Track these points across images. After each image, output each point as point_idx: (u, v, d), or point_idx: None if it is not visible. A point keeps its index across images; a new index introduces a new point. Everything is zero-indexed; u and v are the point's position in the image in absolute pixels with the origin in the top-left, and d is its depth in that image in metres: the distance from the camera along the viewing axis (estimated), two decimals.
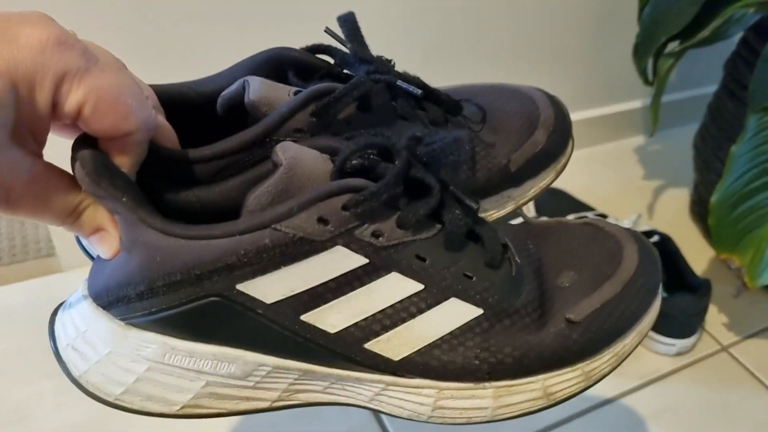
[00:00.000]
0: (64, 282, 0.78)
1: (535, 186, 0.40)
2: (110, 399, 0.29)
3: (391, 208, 0.29)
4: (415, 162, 0.29)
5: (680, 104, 1.16)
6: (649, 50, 0.78)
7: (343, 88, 0.32)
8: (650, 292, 0.33)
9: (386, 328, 0.29)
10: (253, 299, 0.28)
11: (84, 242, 0.36)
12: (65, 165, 0.28)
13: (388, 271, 0.29)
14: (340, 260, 0.28)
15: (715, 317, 0.79)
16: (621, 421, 0.66)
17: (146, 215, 0.27)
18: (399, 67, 0.38)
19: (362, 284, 0.28)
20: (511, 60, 0.94)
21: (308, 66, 0.38)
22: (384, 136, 0.30)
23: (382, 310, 0.29)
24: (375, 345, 0.29)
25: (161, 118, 0.32)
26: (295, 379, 0.30)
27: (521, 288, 0.31)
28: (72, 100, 0.25)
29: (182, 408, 0.30)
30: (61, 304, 0.32)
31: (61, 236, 0.77)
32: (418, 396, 0.31)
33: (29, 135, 0.26)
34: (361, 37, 0.38)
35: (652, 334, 0.73)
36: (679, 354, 0.73)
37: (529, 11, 0.91)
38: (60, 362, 0.30)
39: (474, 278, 0.30)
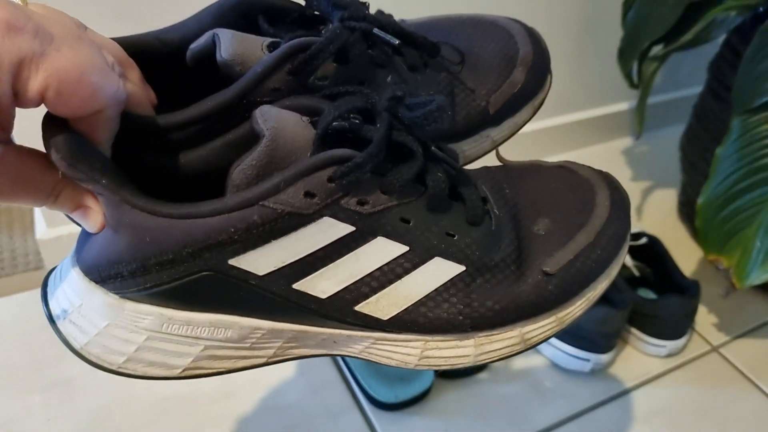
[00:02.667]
0: None
1: (513, 124, 0.40)
2: (113, 368, 0.30)
3: (376, 174, 0.29)
4: (397, 124, 0.30)
5: (667, 105, 1.17)
6: (633, 54, 0.79)
7: (319, 43, 0.31)
8: (620, 239, 0.34)
9: (374, 290, 0.30)
10: (246, 272, 0.29)
11: None
12: (38, 143, 0.28)
13: (374, 236, 0.29)
14: (328, 230, 0.29)
15: (704, 318, 0.80)
16: (613, 423, 0.66)
17: (129, 196, 0.27)
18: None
19: (350, 250, 0.29)
20: None
21: (278, 9, 0.37)
22: (363, 93, 0.30)
23: (370, 273, 0.30)
24: (365, 307, 0.31)
25: (131, 85, 0.31)
26: (290, 338, 0.32)
27: (500, 242, 0.33)
28: (32, 87, 0.24)
29: (183, 371, 0.31)
30: (50, 272, 0.32)
31: (50, 249, 0.77)
32: (405, 348, 0.32)
33: None
34: None
35: (642, 335, 0.73)
36: (669, 355, 0.74)
37: (514, 15, 0.91)
38: (59, 335, 0.30)
39: (456, 236, 0.31)
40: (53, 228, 0.77)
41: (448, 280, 0.31)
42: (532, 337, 0.33)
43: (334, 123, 0.28)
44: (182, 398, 0.65)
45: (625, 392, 0.70)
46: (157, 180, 0.30)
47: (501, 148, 0.41)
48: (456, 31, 0.42)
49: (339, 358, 0.70)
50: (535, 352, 0.73)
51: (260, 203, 0.27)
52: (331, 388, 0.68)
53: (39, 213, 0.79)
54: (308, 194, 0.27)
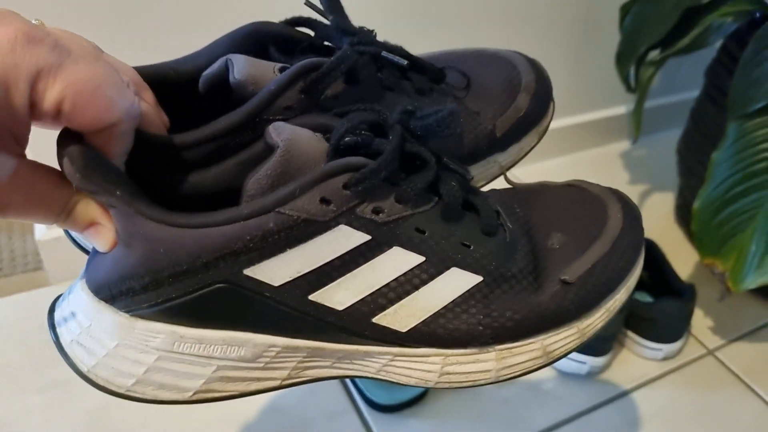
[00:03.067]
0: (53, 296, 0.76)
1: (519, 149, 0.41)
2: (122, 391, 0.29)
3: (390, 184, 0.29)
4: (409, 136, 0.30)
5: (665, 109, 1.18)
6: (630, 58, 0.79)
7: (330, 63, 0.32)
8: (635, 249, 0.34)
9: (392, 302, 0.30)
10: (261, 283, 0.28)
11: (75, 235, 0.36)
12: (52, 160, 0.28)
13: (390, 246, 0.29)
14: (344, 239, 0.28)
15: (701, 321, 0.80)
16: (609, 426, 0.66)
17: (144, 207, 0.27)
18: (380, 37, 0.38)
19: (366, 260, 0.29)
20: None
21: (289, 40, 0.37)
22: (375, 110, 0.31)
23: (387, 284, 0.30)
24: (382, 318, 0.30)
25: (145, 104, 0.32)
26: (305, 357, 0.31)
27: (516, 253, 0.32)
28: (49, 97, 0.24)
29: (195, 394, 0.30)
30: (57, 299, 0.31)
31: (49, 250, 0.77)
32: (424, 364, 0.31)
33: (9, 137, 0.25)
34: (341, 8, 0.38)
35: (638, 339, 0.74)
36: (665, 358, 0.74)
37: (513, 20, 0.92)
38: (66, 358, 0.30)
39: (472, 247, 0.31)
40: (52, 229, 0.77)
41: (466, 291, 0.31)
42: (554, 350, 0.32)
43: (347, 137, 0.29)
44: None
45: (622, 395, 0.70)
46: (170, 199, 0.30)
47: (508, 173, 0.42)
48: (459, 63, 0.43)
49: None
50: None
51: (276, 210, 0.27)
52: (328, 390, 0.68)
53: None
54: (324, 201, 0.27)
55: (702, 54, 0.82)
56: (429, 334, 0.31)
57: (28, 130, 0.26)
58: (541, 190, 0.38)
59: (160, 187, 0.30)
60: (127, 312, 0.28)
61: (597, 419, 0.67)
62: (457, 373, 0.32)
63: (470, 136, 0.39)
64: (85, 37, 0.28)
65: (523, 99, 0.40)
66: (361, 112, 0.30)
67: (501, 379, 0.32)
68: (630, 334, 0.74)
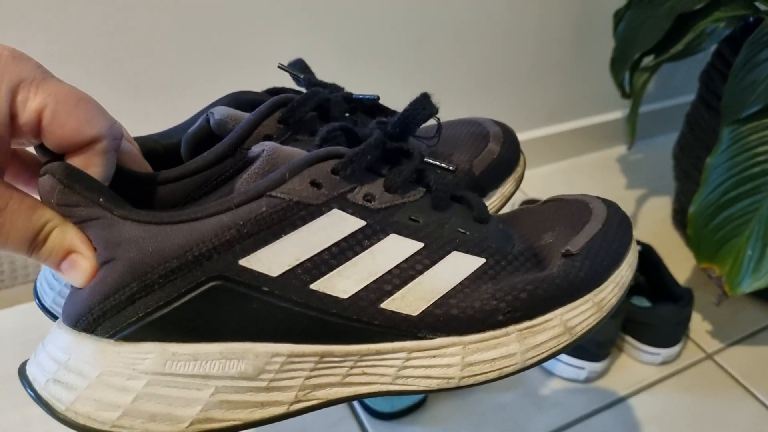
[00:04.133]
0: None
1: (499, 195, 0.42)
2: (106, 428, 0.26)
3: (376, 174, 0.30)
4: (388, 139, 0.31)
5: (661, 113, 1.18)
6: (625, 64, 0.80)
7: (304, 95, 0.34)
8: (626, 227, 0.35)
9: (397, 287, 0.29)
10: (258, 274, 0.27)
11: (48, 301, 0.35)
12: None
13: (386, 234, 0.29)
14: (339, 223, 0.28)
15: (699, 325, 0.80)
16: (608, 431, 0.66)
17: (129, 212, 0.26)
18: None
19: (364, 248, 0.29)
20: (492, 75, 0.96)
21: None
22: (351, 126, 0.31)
23: (389, 270, 0.29)
24: (391, 303, 0.29)
25: (133, 148, 0.32)
26: (312, 368, 0.29)
27: (512, 239, 0.33)
28: (30, 106, 0.24)
29: (191, 425, 0.27)
30: (25, 362, 0.29)
31: None
32: (443, 358, 0.30)
33: None
34: (312, 72, 0.39)
35: (636, 343, 0.74)
36: (664, 363, 0.74)
37: (507, 27, 0.92)
38: (40, 403, 0.26)
39: (468, 233, 0.31)
40: None
41: (472, 273, 0.30)
42: (575, 326, 0.31)
43: (328, 138, 0.30)
44: None
45: (620, 400, 0.70)
46: None
47: None
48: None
49: None
50: None
51: (267, 194, 0.27)
52: None
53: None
54: (314, 184, 0.28)
55: (696, 59, 0.83)
56: (443, 316, 0.29)
57: (8, 144, 0.25)
58: (522, 212, 0.39)
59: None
60: (111, 336, 0.26)
61: (595, 425, 0.67)
62: (480, 363, 0.30)
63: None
64: None
65: (494, 145, 0.42)
66: (338, 123, 0.31)
67: (528, 363, 0.30)
68: (628, 338, 0.74)
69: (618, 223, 0.34)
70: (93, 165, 0.26)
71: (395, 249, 0.29)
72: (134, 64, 0.71)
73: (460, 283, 0.30)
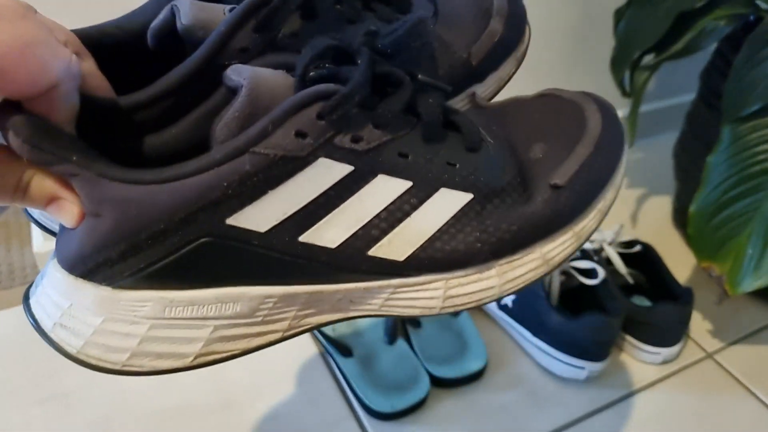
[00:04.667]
0: None
1: (499, 79, 0.39)
2: (117, 367, 0.28)
3: (365, 109, 0.28)
4: (378, 58, 0.28)
5: (661, 113, 1.18)
6: (625, 63, 0.80)
7: None
8: (618, 146, 0.34)
9: (385, 232, 0.29)
10: (247, 231, 0.27)
11: (35, 214, 0.34)
12: None
13: (374, 175, 0.28)
14: (326, 173, 0.27)
15: (699, 325, 0.80)
16: (609, 430, 0.66)
17: (106, 169, 0.25)
18: None
19: (352, 193, 0.28)
20: None
21: None
22: (337, 38, 0.29)
23: (377, 214, 0.29)
24: (378, 250, 0.29)
25: (88, 65, 0.29)
26: (303, 303, 0.30)
27: (502, 166, 0.31)
28: None
29: (196, 358, 0.28)
30: (30, 286, 0.30)
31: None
32: (426, 291, 0.31)
33: None
34: None
35: (637, 343, 0.74)
36: (664, 362, 0.74)
37: None
38: (51, 344, 0.28)
39: (458, 165, 0.30)
40: (50, 241, 0.77)
41: (459, 211, 0.30)
42: (553, 257, 0.32)
43: (311, 69, 0.27)
44: (180, 409, 0.66)
45: (621, 400, 0.70)
46: (128, 166, 0.28)
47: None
48: None
49: (335, 370, 0.70)
50: (530, 360, 0.73)
51: (250, 150, 0.25)
52: (327, 398, 0.68)
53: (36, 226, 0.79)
54: (299, 134, 0.26)
55: (697, 57, 0.83)
56: (428, 260, 0.30)
57: None
58: (514, 105, 0.37)
59: (116, 154, 0.28)
60: (109, 285, 0.27)
61: (596, 424, 0.67)
62: (460, 295, 0.31)
63: (444, 67, 0.37)
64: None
65: (496, 23, 0.38)
66: (323, 39, 0.28)
67: (504, 293, 0.31)
68: (628, 338, 0.74)
69: (610, 141, 0.33)
70: (56, 109, 0.25)
71: (383, 190, 0.28)
72: None
73: (446, 222, 0.30)
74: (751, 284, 0.65)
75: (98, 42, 0.31)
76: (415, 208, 0.29)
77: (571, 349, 0.69)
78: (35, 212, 0.34)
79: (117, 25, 0.32)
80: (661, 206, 1.01)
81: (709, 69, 0.84)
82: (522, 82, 1.05)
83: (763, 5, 0.72)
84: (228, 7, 0.31)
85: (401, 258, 0.29)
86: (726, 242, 0.67)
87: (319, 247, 0.28)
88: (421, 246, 0.30)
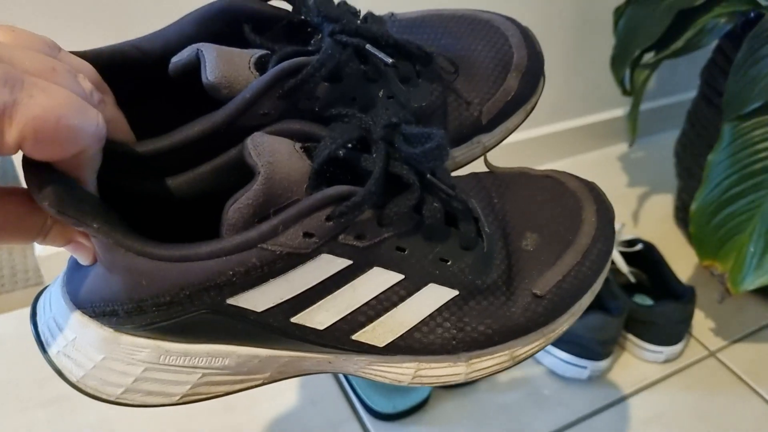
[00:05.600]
0: None
1: (506, 129, 0.40)
2: (111, 398, 0.31)
3: (373, 208, 0.29)
4: (394, 153, 0.29)
5: (662, 111, 1.18)
6: (625, 61, 0.79)
7: (311, 67, 0.30)
8: (605, 255, 0.35)
9: (371, 319, 0.31)
10: (244, 309, 0.29)
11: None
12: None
13: (371, 267, 0.29)
14: (325, 266, 0.29)
15: (701, 323, 0.80)
16: (611, 430, 0.66)
17: (122, 238, 0.26)
18: None
19: (347, 282, 0.29)
20: None
21: (265, 17, 0.35)
22: (357, 117, 0.30)
23: (366, 302, 0.30)
24: (361, 335, 0.31)
25: (109, 109, 0.30)
26: (287, 362, 0.32)
27: (491, 262, 0.33)
28: (8, 140, 0.22)
29: (182, 398, 0.31)
30: (37, 298, 0.32)
31: (49, 265, 0.77)
32: (399, 368, 0.33)
33: None
34: None
35: (639, 342, 0.74)
36: (667, 361, 0.74)
37: None
38: (54, 369, 0.30)
39: (449, 262, 0.31)
40: None
41: (442, 305, 0.31)
42: (520, 355, 0.34)
43: (329, 157, 0.28)
44: (183, 412, 0.66)
45: (623, 399, 0.70)
46: (143, 207, 0.30)
47: (493, 152, 0.41)
48: (449, 30, 0.41)
49: None
50: (533, 360, 0.73)
51: (259, 246, 0.27)
52: (329, 399, 0.68)
53: None
54: (307, 234, 0.27)
55: (697, 55, 0.82)
56: (405, 348, 0.32)
57: None
58: (520, 178, 0.38)
59: (133, 195, 0.30)
60: (112, 328, 0.29)
61: (598, 423, 0.67)
62: (429, 376, 0.33)
63: (454, 123, 0.38)
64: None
65: (512, 79, 0.38)
66: (345, 125, 0.29)
67: (469, 379, 0.34)
68: (630, 337, 0.74)
69: (600, 250, 0.35)
70: (81, 169, 0.26)
71: (376, 281, 0.30)
72: None
73: (429, 315, 0.31)
74: (753, 282, 0.65)
75: (117, 62, 0.31)
76: (402, 299, 0.31)
77: (574, 348, 0.69)
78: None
79: (135, 45, 0.32)
80: (663, 205, 1.01)
81: (709, 67, 0.84)
82: None
83: (763, 2, 0.71)
84: (254, 55, 0.32)
85: (381, 344, 0.31)
86: (728, 240, 0.67)
87: (309, 327, 0.30)
88: (401, 336, 0.31)
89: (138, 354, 0.30)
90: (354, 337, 0.31)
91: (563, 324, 0.34)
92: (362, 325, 0.31)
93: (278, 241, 0.27)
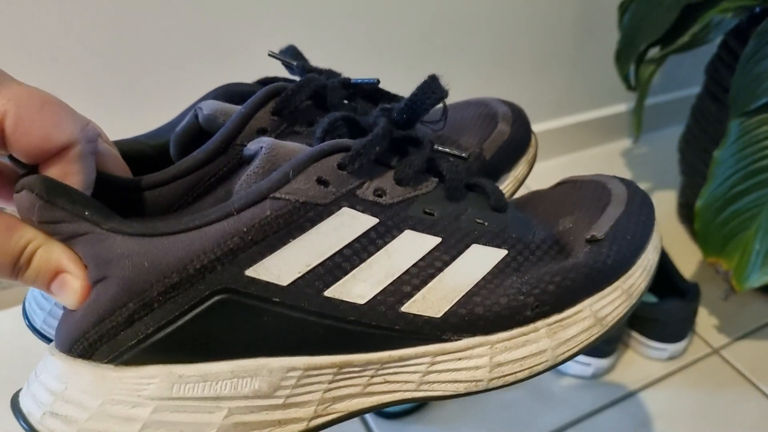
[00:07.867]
0: None
1: (512, 178, 0.40)
2: None
3: (385, 166, 0.28)
4: (394, 127, 0.29)
5: (666, 106, 1.17)
6: (630, 56, 0.79)
7: (298, 82, 0.32)
8: (649, 207, 0.33)
9: (417, 287, 0.27)
10: (267, 284, 0.25)
11: (38, 322, 0.33)
12: None
13: (401, 230, 0.27)
14: (349, 223, 0.26)
15: (705, 320, 0.79)
16: (615, 427, 0.66)
17: (119, 224, 0.24)
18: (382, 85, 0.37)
19: (378, 247, 0.27)
20: (495, 68, 0.95)
21: None
22: (352, 115, 0.30)
23: (407, 270, 0.27)
24: (412, 306, 0.27)
25: (111, 149, 0.29)
26: (331, 380, 0.27)
27: (533, 227, 0.31)
28: None
29: None
30: (18, 392, 0.27)
31: None
32: (470, 360, 0.28)
33: None
34: (305, 59, 0.37)
35: (643, 339, 0.73)
36: (671, 358, 0.74)
37: (511, 19, 0.91)
38: None
39: (486, 223, 0.29)
40: None
41: (495, 266, 0.28)
42: (605, 316, 0.29)
43: (330, 130, 0.28)
44: None
45: (627, 396, 0.69)
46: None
47: None
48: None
49: None
50: None
51: (271, 196, 0.24)
52: None
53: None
54: (321, 181, 0.26)
55: (702, 50, 0.82)
56: (467, 316, 0.28)
57: None
58: (534, 196, 0.37)
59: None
60: (111, 362, 0.24)
61: (602, 421, 0.67)
62: (509, 362, 0.28)
63: (458, 163, 0.38)
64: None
65: (503, 125, 0.40)
66: (339, 113, 0.29)
67: (559, 359, 0.29)
68: (634, 334, 0.74)
69: (640, 204, 0.33)
70: (71, 173, 0.24)
71: (412, 246, 0.27)
72: (118, 60, 0.70)
73: (483, 278, 0.28)
74: (759, 279, 0.64)
75: (126, 155, 0.31)
76: (447, 264, 0.28)
77: None
78: (37, 320, 0.33)
79: (144, 140, 0.33)
80: (666, 201, 1.01)
81: (715, 62, 0.83)
82: (527, 75, 1.04)
83: None
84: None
85: (438, 314, 0.27)
86: (733, 238, 0.67)
87: (347, 302, 0.26)
88: (458, 302, 0.28)
89: (145, 388, 0.24)
90: (404, 309, 0.27)
91: (639, 278, 0.31)
92: (409, 295, 0.27)
93: (291, 188, 0.25)
